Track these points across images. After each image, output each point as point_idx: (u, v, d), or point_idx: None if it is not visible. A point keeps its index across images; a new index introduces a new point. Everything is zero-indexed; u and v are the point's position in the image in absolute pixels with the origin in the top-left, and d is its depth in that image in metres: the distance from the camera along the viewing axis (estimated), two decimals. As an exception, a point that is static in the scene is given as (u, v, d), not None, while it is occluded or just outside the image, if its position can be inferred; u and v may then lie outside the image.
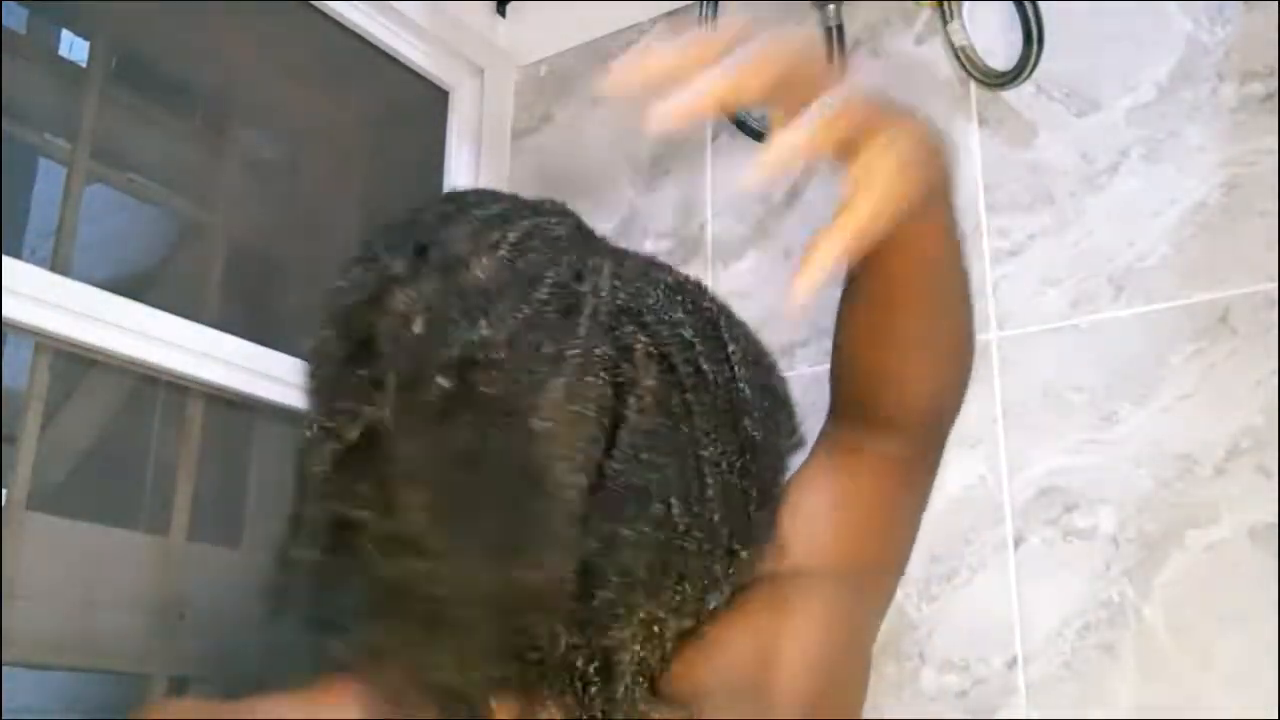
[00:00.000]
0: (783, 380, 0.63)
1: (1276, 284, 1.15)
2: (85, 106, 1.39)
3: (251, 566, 1.45)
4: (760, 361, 0.61)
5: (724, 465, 0.56)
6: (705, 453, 0.55)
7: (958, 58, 1.37)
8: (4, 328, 1.16)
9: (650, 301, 0.56)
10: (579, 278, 0.55)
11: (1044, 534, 1.21)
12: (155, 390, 1.35)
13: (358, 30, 1.60)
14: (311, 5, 1.54)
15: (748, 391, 0.58)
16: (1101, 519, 1.19)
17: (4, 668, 1.12)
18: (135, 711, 0.64)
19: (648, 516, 0.52)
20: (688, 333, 0.56)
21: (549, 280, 0.53)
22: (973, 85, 1.38)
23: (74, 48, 1.51)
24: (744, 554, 0.57)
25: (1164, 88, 1.26)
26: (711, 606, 0.56)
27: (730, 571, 0.56)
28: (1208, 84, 1.24)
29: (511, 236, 0.55)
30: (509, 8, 1.75)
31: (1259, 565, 1.10)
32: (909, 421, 0.70)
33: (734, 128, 1.47)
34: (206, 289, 1.49)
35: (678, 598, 0.54)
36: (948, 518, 1.24)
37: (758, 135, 1.42)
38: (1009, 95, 1.34)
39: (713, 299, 0.61)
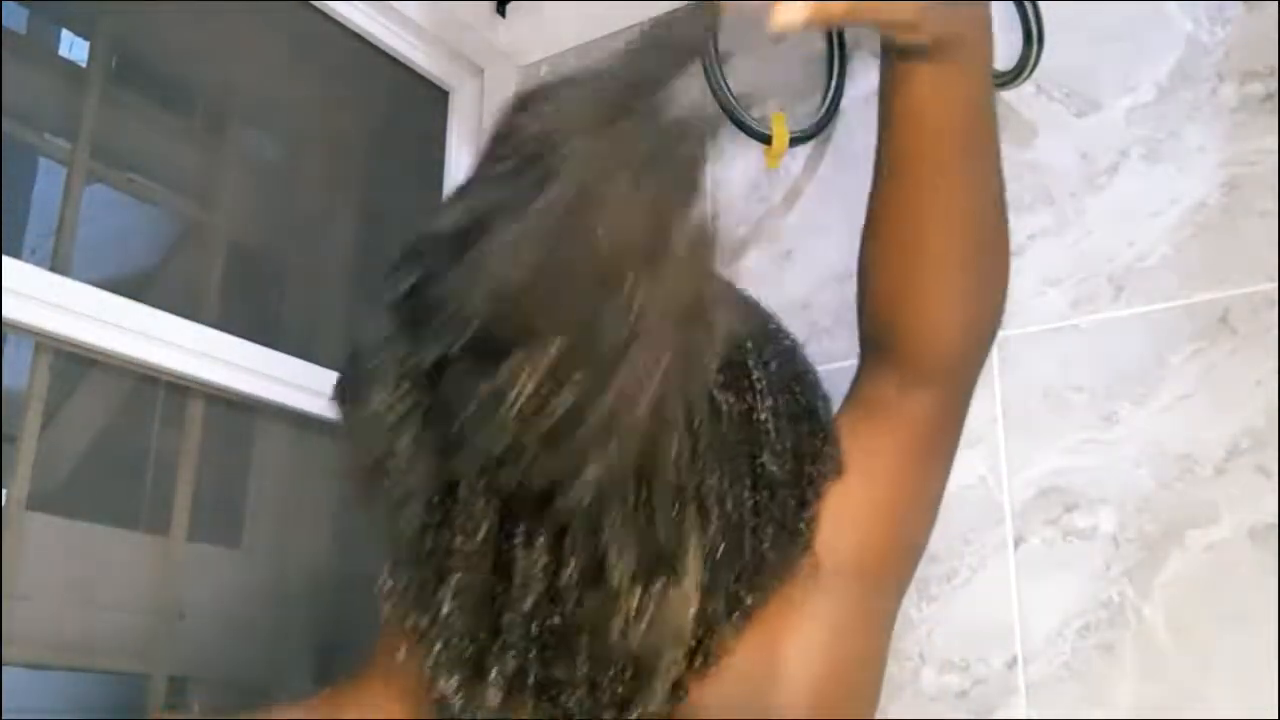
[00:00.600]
0: (826, 402, 0.59)
1: (1276, 284, 1.15)
2: (85, 106, 1.39)
3: (251, 566, 1.46)
4: (798, 385, 0.57)
5: (729, 502, 0.52)
6: (708, 486, 0.51)
7: (958, 58, 1.37)
8: (4, 328, 1.16)
9: None
10: None
11: (1044, 534, 1.21)
12: (155, 390, 1.35)
13: (358, 30, 1.60)
14: (311, 5, 1.54)
15: (771, 423, 0.54)
16: (1101, 519, 1.19)
17: (4, 668, 1.12)
18: (149, 714, 0.64)
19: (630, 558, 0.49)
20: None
21: None
22: (973, 85, 1.38)
23: (74, 48, 1.51)
24: (749, 599, 0.53)
25: (1164, 88, 1.26)
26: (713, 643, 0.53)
27: (734, 615, 0.53)
28: (1208, 84, 1.24)
29: None
30: (509, 8, 1.75)
31: (1259, 565, 1.10)
32: (936, 357, 0.65)
33: (734, 128, 1.47)
34: (206, 289, 1.49)
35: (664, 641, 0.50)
36: (948, 517, 1.23)
37: (758, 135, 1.42)
38: (1009, 95, 1.34)
39: (751, 320, 0.57)
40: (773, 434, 0.54)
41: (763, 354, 0.55)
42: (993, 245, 0.67)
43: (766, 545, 0.53)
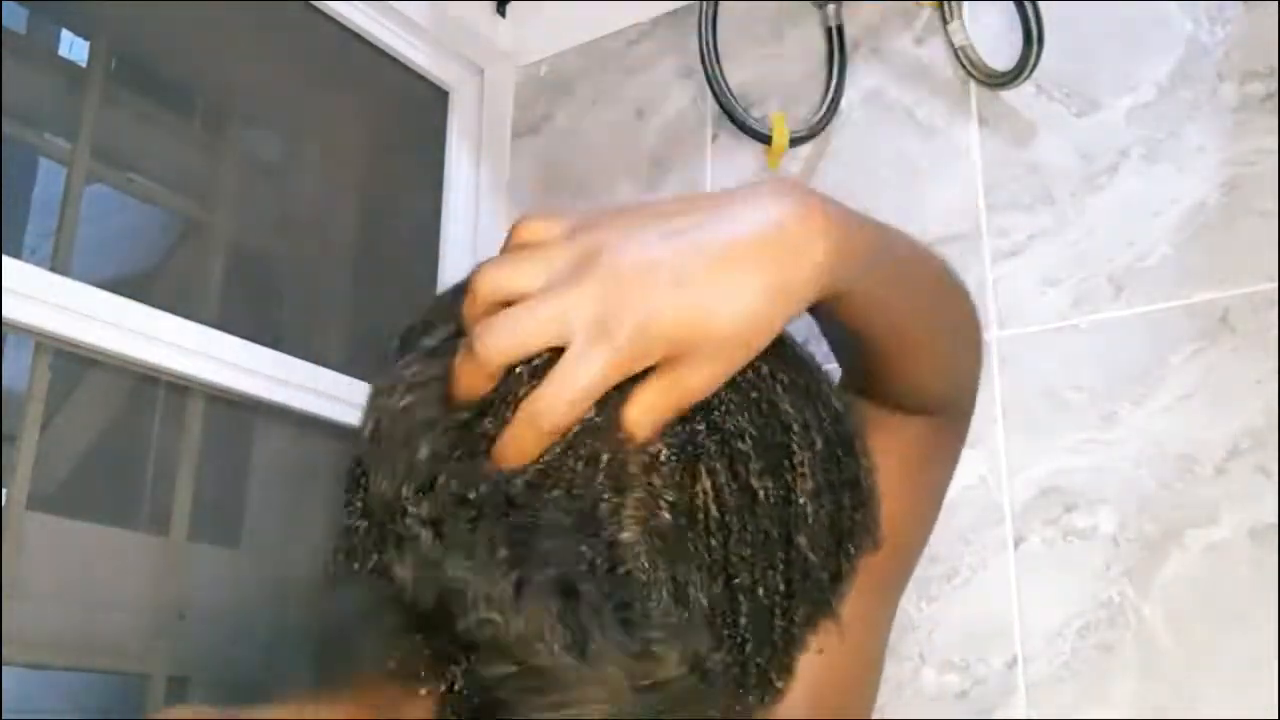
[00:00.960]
0: (869, 471, 0.56)
1: (1276, 284, 1.15)
2: (85, 106, 1.39)
3: (251, 566, 1.46)
4: (845, 454, 0.54)
5: (761, 591, 0.49)
6: (739, 580, 0.49)
7: (958, 58, 1.37)
8: (4, 328, 1.16)
9: (714, 401, 0.50)
10: None
11: (1044, 534, 1.21)
12: (155, 390, 1.35)
13: (358, 30, 1.60)
14: (311, 5, 1.54)
15: (810, 507, 0.51)
16: (1101, 519, 1.19)
17: (4, 668, 1.12)
18: (147, 713, 0.63)
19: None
20: (745, 444, 0.50)
21: None
22: (973, 85, 1.38)
23: (74, 48, 1.52)
24: (779, 683, 0.51)
25: (1164, 88, 1.26)
26: None
27: (765, 699, 0.51)
28: (1208, 84, 1.24)
29: None
30: (509, 8, 1.75)
31: (1259, 565, 1.10)
32: (928, 409, 0.67)
33: (734, 128, 1.47)
34: (206, 289, 1.49)
35: None
36: (948, 518, 1.24)
37: (758, 135, 1.42)
38: (1009, 95, 1.34)
39: (799, 391, 0.53)
40: (810, 516, 0.51)
41: (809, 429, 0.52)
42: (966, 342, 0.68)
43: (797, 624, 0.51)
